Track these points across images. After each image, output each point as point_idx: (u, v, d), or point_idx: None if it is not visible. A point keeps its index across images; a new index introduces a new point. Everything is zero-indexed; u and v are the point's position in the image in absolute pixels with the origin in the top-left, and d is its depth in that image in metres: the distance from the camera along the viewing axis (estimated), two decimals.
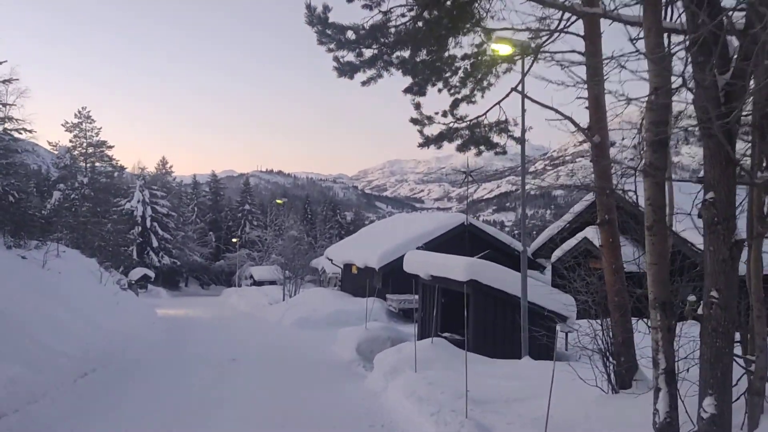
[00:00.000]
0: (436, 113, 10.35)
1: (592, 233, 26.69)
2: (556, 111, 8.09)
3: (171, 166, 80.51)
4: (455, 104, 10.35)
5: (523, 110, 10.47)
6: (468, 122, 10.32)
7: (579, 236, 27.35)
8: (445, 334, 14.84)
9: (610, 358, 8.93)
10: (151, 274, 54.33)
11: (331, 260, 39.35)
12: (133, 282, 48.39)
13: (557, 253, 28.42)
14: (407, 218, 42.01)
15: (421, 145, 10.56)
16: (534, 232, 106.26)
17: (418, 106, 10.31)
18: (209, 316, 33.25)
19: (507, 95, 9.88)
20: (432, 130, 10.45)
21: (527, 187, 13.51)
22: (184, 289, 70.12)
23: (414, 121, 10.41)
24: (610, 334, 9.09)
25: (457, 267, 13.95)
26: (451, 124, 10.33)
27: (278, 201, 76.96)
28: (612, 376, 8.84)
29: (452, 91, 10.29)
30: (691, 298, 19.73)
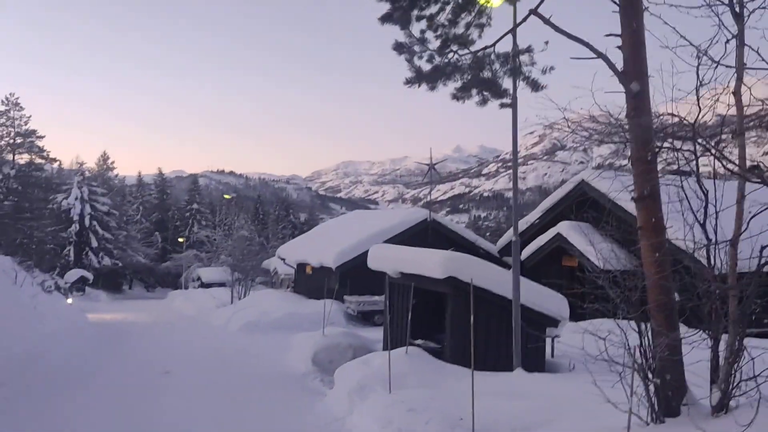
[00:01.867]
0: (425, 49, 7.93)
1: (566, 229, 24.91)
2: (587, 45, 5.96)
3: (113, 162, 76.36)
4: (444, 46, 8.07)
5: (516, 51, 8.10)
6: (473, 53, 7.96)
7: (551, 232, 25.52)
8: (418, 341, 12.62)
9: (651, 376, 6.79)
10: (89, 276, 50.65)
11: (283, 260, 36.79)
12: (68, 284, 44.90)
13: (527, 251, 26.54)
14: (366, 215, 39.74)
15: (409, 82, 8.19)
16: (488, 234, 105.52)
17: (406, 23, 7.88)
18: (149, 320, 30.38)
19: (524, 20, 7.58)
20: (425, 64, 8.11)
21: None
22: (128, 291, 66.35)
23: (399, 47, 8.00)
24: (649, 343, 6.98)
25: (433, 262, 11.74)
26: (450, 55, 7.98)
27: (226, 195, 73.91)
28: (654, 399, 6.71)
29: (439, 31, 8.03)
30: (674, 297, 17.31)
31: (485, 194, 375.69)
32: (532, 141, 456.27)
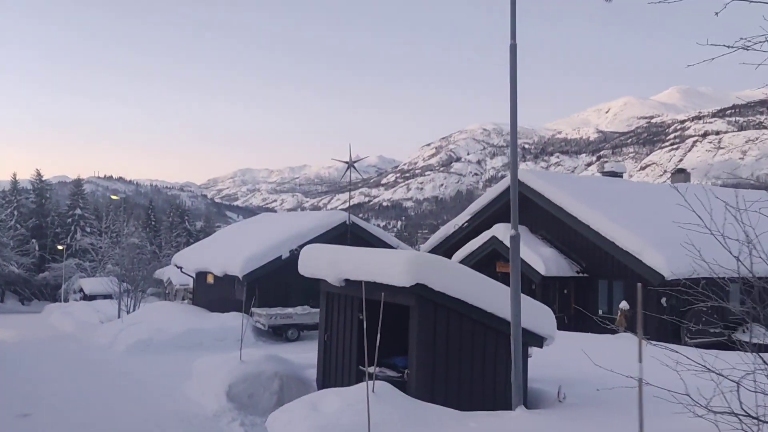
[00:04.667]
0: None
1: (502, 232, 22.78)
2: None
3: None
4: None
5: None
6: None
7: (486, 235, 23.34)
8: (371, 369, 9.72)
9: None
10: None
11: (180, 268, 32.75)
12: None
13: (458, 255, 24.23)
14: (276, 218, 36.32)
15: None
16: None
17: None
18: (16, 339, 25.67)
19: None
20: None
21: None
22: None
23: None
24: None
25: (393, 266, 8.90)
26: None
27: (114, 197, 68.05)
28: None
29: None
30: (623, 305, 14.75)
31: (384, 204, 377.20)
32: (429, 152, 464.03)
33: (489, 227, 23.62)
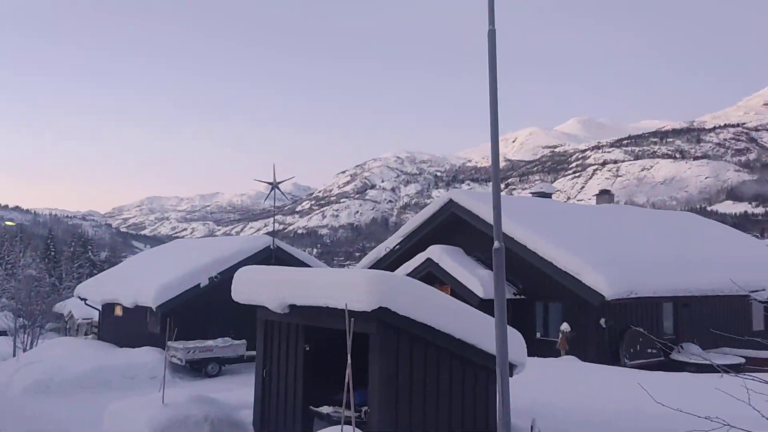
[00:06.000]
0: None
1: (437, 254, 21.90)
2: None
3: None
4: None
5: None
6: None
7: (420, 257, 22.39)
8: (324, 409, 8.38)
9: None
10: None
11: (84, 300, 30.03)
12: None
13: None
14: (192, 244, 34.05)
15: None
16: None
17: None
18: None
19: None
20: None
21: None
22: None
23: None
24: None
25: (351, 287, 7.67)
26: None
27: (9, 222, 63.42)
28: None
29: None
30: (565, 327, 13.88)
31: (299, 231, 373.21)
32: (344, 180, 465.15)
33: (422, 249, 22.71)
